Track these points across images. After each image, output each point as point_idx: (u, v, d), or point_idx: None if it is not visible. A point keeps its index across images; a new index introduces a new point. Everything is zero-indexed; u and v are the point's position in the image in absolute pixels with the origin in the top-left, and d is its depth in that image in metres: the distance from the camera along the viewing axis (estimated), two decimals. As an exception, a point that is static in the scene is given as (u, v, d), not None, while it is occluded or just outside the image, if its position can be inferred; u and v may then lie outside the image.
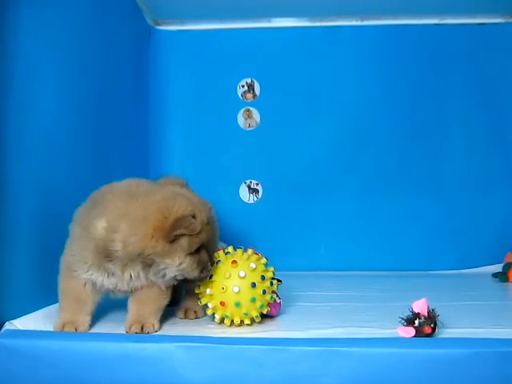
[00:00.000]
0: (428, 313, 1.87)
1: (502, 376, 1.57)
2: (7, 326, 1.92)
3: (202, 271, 1.97)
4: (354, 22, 3.66)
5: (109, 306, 2.20)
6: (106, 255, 1.90)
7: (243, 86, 3.72)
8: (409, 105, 3.64)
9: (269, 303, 2.10)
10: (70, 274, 1.98)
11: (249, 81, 3.71)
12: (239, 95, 3.72)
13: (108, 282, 1.97)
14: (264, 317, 2.13)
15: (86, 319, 2.00)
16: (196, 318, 2.20)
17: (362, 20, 3.65)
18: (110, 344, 1.71)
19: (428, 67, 3.63)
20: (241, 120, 3.72)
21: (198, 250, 1.95)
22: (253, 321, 2.10)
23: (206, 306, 2.06)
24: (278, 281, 2.31)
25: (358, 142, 3.63)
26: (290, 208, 3.62)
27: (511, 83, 3.58)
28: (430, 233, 3.59)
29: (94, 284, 1.99)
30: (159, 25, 3.73)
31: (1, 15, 1.96)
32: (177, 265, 1.91)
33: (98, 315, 2.12)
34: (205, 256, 1.98)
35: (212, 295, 2.03)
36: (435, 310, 1.89)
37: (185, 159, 3.67)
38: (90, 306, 2.02)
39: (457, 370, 1.58)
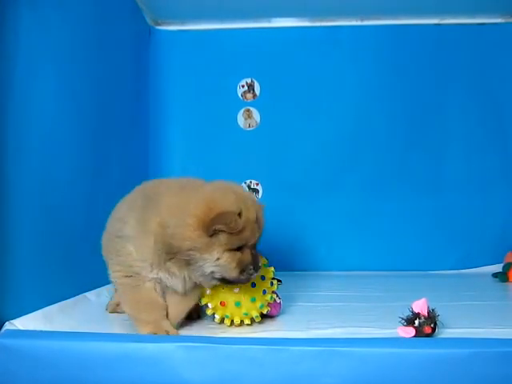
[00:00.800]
0: (428, 313, 1.87)
1: (501, 376, 1.57)
2: (7, 325, 1.92)
3: (241, 272, 1.89)
4: (353, 22, 3.67)
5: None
6: (165, 251, 1.87)
7: (243, 86, 3.72)
8: (409, 105, 3.64)
9: (269, 303, 2.10)
10: (135, 282, 1.93)
11: (249, 81, 3.71)
12: (239, 95, 3.72)
13: (171, 283, 1.94)
14: (264, 317, 2.13)
15: (168, 323, 1.95)
16: (197, 318, 2.20)
17: (361, 20, 3.66)
18: (110, 344, 1.70)
19: (428, 67, 3.63)
20: (241, 120, 3.72)
21: (240, 249, 1.89)
22: (253, 321, 2.10)
23: (206, 305, 2.06)
24: (278, 281, 2.31)
25: (358, 142, 3.63)
26: (289, 208, 3.62)
27: (511, 83, 3.58)
28: (430, 233, 3.59)
29: (160, 285, 1.95)
30: (159, 25, 3.73)
31: (1, 15, 1.97)
32: (214, 260, 1.85)
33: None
34: (247, 257, 1.90)
35: (212, 295, 2.03)
36: (435, 310, 1.89)
37: (185, 159, 3.67)
38: (165, 310, 1.98)
39: (457, 370, 1.58)
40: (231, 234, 1.84)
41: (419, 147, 3.63)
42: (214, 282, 1.94)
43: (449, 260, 3.54)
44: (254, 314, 2.09)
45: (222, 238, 1.84)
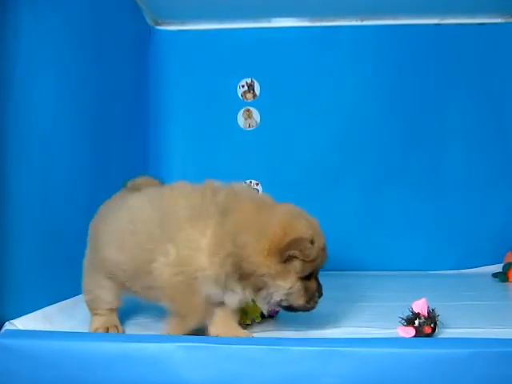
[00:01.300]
0: (428, 313, 1.87)
1: (501, 376, 1.57)
2: (7, 325, 1.92)
3: (308, 301, 1.87)
4: (353, 22, 3.67)
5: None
6: (234, 271, 1.81)
7: (243, 86, 3.72)
8: (409, 105, 3.64)
9: (269, 303, 2.10)
10: (196, 291, 1.85)
11: (249, 81, 3.71)
12: (239, 95, 3.72)
13: (229, 300, 1.87)
14: (264, 317, 2.13)
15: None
16: None
17: (361, 20, 3.66)
18: (110, 344, 1.70)
19: (428, 67, 3.63)
20: (241, 120, 3.72)
21: (308, 277, 1.86)
22: (253, 321, 2.10)
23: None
24: None
25: (358, 142, 3.63)
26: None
27: (511, 83, 3.59)
28: (430, 233, 3.59)
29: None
30: (159, 25, 3.73)
31: (2, 16, 1.97)
32: (288, 288, 1.81)
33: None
34: (314, 285, 1.88)
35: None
36: (435, 310, 1.89)
37: (185, 159, 3.67)
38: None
39: (457, 370, 1.57)
40: (305, 261, 1.80)
41: (419, 147, 3.63)
42: (276, 309, 1.93)
43: (449, 260, 3.54)
44: (254, 314, 2.09)
45: (297, 264, 1.80)
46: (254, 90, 3.71)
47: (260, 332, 2.02)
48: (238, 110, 3.72)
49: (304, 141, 3.66)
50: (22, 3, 2.08)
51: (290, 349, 1.63)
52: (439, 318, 1.89)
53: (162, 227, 1.87)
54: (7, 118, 2.00)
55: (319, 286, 1.90)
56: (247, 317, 2.09)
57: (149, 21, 3.66)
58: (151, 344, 1.68)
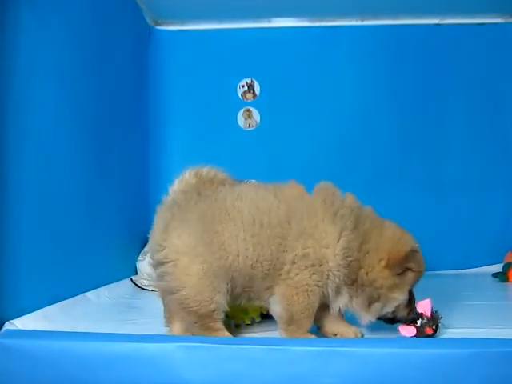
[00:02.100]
0: (431, 314, 1.87)
1: (502, 376, 1.56)
2: (7, 325, 1.92)
3: (409, 312, 1.89)
4: (353, 22, 3.67)
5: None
6: (350, 275, 1.84)
7: (243, 86, 3.72)
8: (409, 104, 3.64)
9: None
10: (318, 291, 1.85)
11: (249, 81, 3.71)
12: (239, 95, 3.72)
13: (337, 302, 1.89)
14: (264, 317, 2.13)
15: None
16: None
17: (361, 20, 3.66)
18: (111, 344, 1.70)
19: (428, 66, 3.63)
20: (241, 120, 3.72)
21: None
22: (253, 321, 2.10)
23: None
24: None
25: (359, 141, 3.63)
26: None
27: (511, 82, 3.58)
28: (430, 233, 3.57)
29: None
30: (159, 25, 3.73)
31: (2, 15, 1.97)
32: (402, 299, 1.86)
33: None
34: (412, 297, 1.92)
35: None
36: (438, 311, 1.89)
37: (185, 159, 3.65)
38: None
39: (457, 370, 1.57)
40: (415, 273, 1.86)
41: (419, 147, 3.63)
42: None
43: (449, 260, 3.53)
44: (255, 314, 2.09)
45: (410, 276, 1.86)
46: (254, 90, 3.71)
47: (260, 332, 2.02)
48: (238, 110, 3.72)
49: (304, 140, 3.65)
50: (22, 3, 2.08)
51: (290, 349, 1.63)
52: (441, 320, 1.89)
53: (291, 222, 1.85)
54: (7, 118, 2.00)
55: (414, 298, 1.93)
56: (248, 316, 2.09)
57: (149, 21, 3.66)
58: (151, 344, 1.68)
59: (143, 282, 3.06)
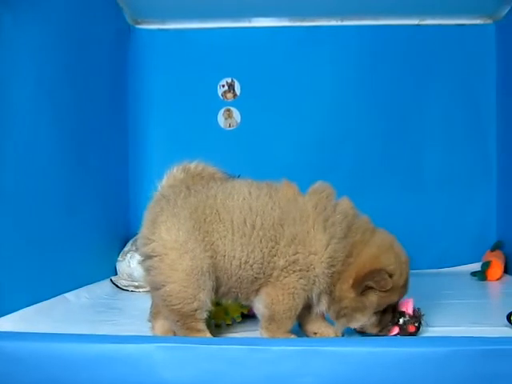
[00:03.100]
0: (413, 312, 1.88)
1: (481, 374, 1.58)
2: (-15, 327, 1.90)
3: (380, 330, 1.87)
4: (333, 23, 3.67)
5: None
6: (328, 283, 1.84)
7: (223, 86, 3.71)
8: (389, 104, 3.65)
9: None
10: (303, 295, 1.84)
11: (229, 80, 3.71)
12: (219, 95, 3.71)
13: (318, 307, 1.88)
14: (245, 317, 2.13)
15: None
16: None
17: (342, 20, 3.67)
18: (90, 345, 1.68)
19: (408, 67, 3.65)
20: (221, 120, 3.71)
21: (384, 310, 1.86)
22: (234, 321, 2.10)
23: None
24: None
25: (339, 141, 3.64)
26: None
27: (489, 83, 3.62)
28: (410, 231, 3.58)
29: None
30: (139, 24, 3.71)
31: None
32: (363, 322, 1.84)
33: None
34: (389, 317, 1.88)
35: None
36: (420, 309, 1.90)
37: (165, 159, 3.62)
38: None
39: (437, 368, 1.58)
40: (381, 293, 1.80)
41: (399, 147, 3.65)
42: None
43: (428, 259, 3.55)
44: (235, 314, 2.09)
45: (373, 297, 1.81)
46: (234, 89, 3.70)
47: (241, 332, 2.02)
48: (219, 110, 3.71)
49: (284, 140, 3.65)
50: (0, 2, 2.05)
51: (270, 348, 1.62)
52: (424, 317, 1.90)
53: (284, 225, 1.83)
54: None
55: (394, 316, 1.89)
56: (228, 317, 2.09)
57: (129, 19, 3.64)
58: (131, 345, 1.66)
59: (123, 283, 3.04)
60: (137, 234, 1.94)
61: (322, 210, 1.86)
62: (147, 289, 2.20)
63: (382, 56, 3.66)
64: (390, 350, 1.62)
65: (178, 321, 1.81)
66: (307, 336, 1.93)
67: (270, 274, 1.82)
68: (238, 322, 2.12)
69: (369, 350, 1.62)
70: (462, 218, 3.62)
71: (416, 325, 1.88)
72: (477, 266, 3.32)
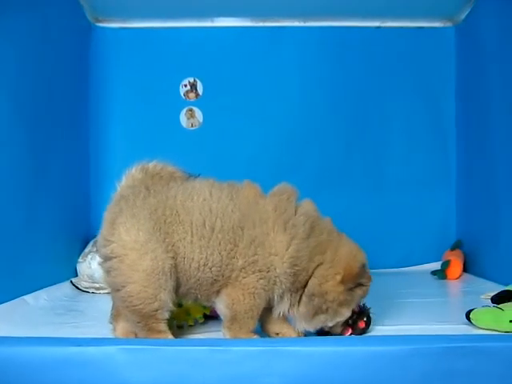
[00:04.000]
0: (359, 307, 1.90)
1: (440, 372, 1.60)
2: None
3: (342, 330, 1.90)
4: (296, 23, 3.69)
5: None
6: (296, 283, 1.84)
7: (186, 86, 3.69)
8: (351, 105, 3.68)
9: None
10: (264, 295, 1.84)
11: (191, 80, 3.69)
12: (182, 94, 3.69)
13: (279, 307, 1.88)
14: (207, 318, 2.13)
15: None
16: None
17: (304, 21, 3.68)
18: (51, 348, 1.66)
19: (370, 68, 3.68)
20: (183, 119, 3.69)
21: None
22: (196, 322, 2.09)
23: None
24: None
25: (302, 141, 3.65)
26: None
27: (449, 85, 3.68)
28: (371, 232, 3.63)
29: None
30: (100, 22, 3.66)
31: None
32: (347, 315, 1.86)
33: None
34: (357, 315, 1.92)
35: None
36: (366, 304, 1.93)
37: (126, 159, 3.56)
38: None
39: (397, 367, 1.60)
40: (364, 287, 1.87)
41: (361, 147, 3.68)
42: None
43: (390, 258, 3.58)
44: (197, 314, 2.08)
45: (360, 292, 1.87)
46: (196, 89, 3.69)
47: (203, 333, 2.01)
48: (181, 110, 3.69)
49: (247, 140, 3.65)
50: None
51: (231, 349, 1.62)
52: (371, 310, 1.93)
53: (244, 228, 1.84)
54: None
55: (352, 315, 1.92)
56: (190, 317, 2.08)
57: (89, 17, 3.59)
58: (92, 347, 1.65)
59: (84, 284, 3.01)
60: (97, 235, 1.92)
61: (282, 212, 1.87)
62: (108, 290, 2.17)
63: (344, 57, 3.68)
64: (354, 348, 1.64)
65: (139, 322, 1.79)
66: (269, 337, 1.94)
67: (229, 276, 1.82)
68: (201, 323, 2.11)
69: (332, 350, 1.63)
70: (422, 218, 3.67)
71: (365, 320, 1.91)
72: (437, 265, 3.37)
